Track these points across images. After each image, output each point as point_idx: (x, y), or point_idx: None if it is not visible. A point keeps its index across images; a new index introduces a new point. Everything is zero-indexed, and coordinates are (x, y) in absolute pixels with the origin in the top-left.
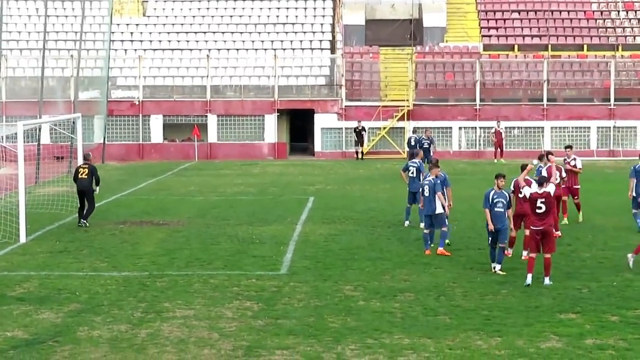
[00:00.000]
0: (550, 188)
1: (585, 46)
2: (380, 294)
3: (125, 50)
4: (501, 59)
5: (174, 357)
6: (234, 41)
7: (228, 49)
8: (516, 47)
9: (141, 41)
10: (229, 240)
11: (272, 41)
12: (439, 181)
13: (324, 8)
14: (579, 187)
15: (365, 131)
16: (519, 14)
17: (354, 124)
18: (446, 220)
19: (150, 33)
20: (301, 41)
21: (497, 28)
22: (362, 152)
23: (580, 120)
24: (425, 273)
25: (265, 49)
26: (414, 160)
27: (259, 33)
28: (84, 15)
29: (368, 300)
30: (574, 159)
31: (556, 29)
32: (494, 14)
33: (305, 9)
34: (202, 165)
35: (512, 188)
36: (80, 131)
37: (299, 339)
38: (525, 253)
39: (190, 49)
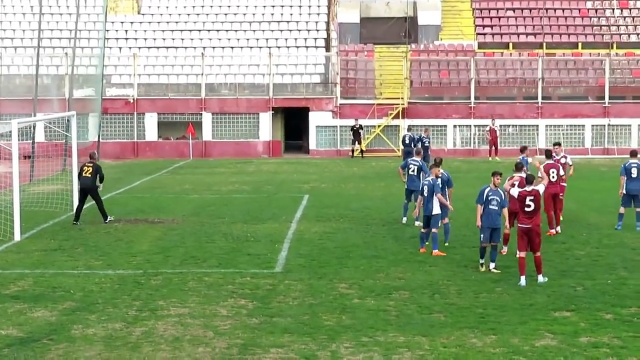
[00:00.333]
0: (540, 187)
1: (579, 44)
2: (375, 292)
3: (120, 48)
4: (496, 57)
5: (168, 356)
6: (229, 39)
7: (223, 47)
8: (511, 45)
9: (136, 39)
10: (224, 239)
11: (267, 39)
12: (438, 182)
13: (318, 6)
14: (565, 185)
15: (362, 129)
16: (514, 12)
17: (348, 122)
18: (439, 222)
19: (145, 31)
20: (296, 39)
21: (491, 26)
22: (360, 150)
23: (575, 118)
24: (420, 271)
25: (260, 47)
26: (415, 158)
27: (254, 31)
28: (79, 13)
29: (363, 298)
30: (564, 157)
31: (551, 27)
32: (489, 12)
33: (300, 6)
34: (197, 164)
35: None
36: (75, 129)
37: (294, 337)
38: (505, 248)
39: (185, 47)
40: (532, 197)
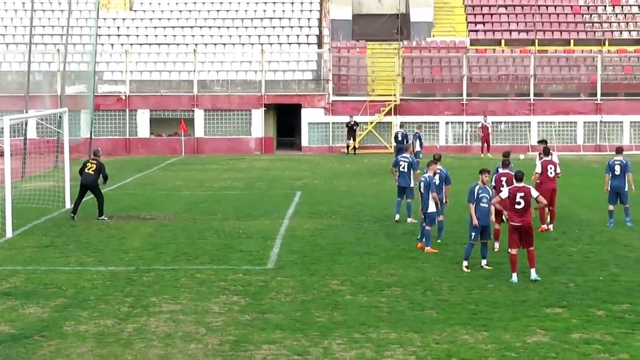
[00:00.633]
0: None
1: (572, 41)
2: (367, 288)
3: (112, 44)
4: (488, 53)
5: (160, 352)
6: (221, 36)
7: (215, 44)
8: (503, 42)
9: (128, 35)
10: (216, 235)
11: (259, 36)
12: (435, 179)
13: (310, 3)
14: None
15: (357, 126)
16: (506, 8)
17: (341, 118)
18: (434, 220)
19: (137, 27)
20: (288, 36)
21: (484, 23)
22: (354, 147)
23: (567, 115)
24: (412, 267)
25: (252, 44)
26: (404, 155)
27: (246, 28)
28: (71, 10)
29: (355, 295)
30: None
31: (543, 24)
32: (481, 8)
33: (292, 3)
34: (189, 160)
35: (493, 184)
36: (67, 126)
37: (286, 334)
38: (496, 245)
39: (177, 44)
40: (522, 194)
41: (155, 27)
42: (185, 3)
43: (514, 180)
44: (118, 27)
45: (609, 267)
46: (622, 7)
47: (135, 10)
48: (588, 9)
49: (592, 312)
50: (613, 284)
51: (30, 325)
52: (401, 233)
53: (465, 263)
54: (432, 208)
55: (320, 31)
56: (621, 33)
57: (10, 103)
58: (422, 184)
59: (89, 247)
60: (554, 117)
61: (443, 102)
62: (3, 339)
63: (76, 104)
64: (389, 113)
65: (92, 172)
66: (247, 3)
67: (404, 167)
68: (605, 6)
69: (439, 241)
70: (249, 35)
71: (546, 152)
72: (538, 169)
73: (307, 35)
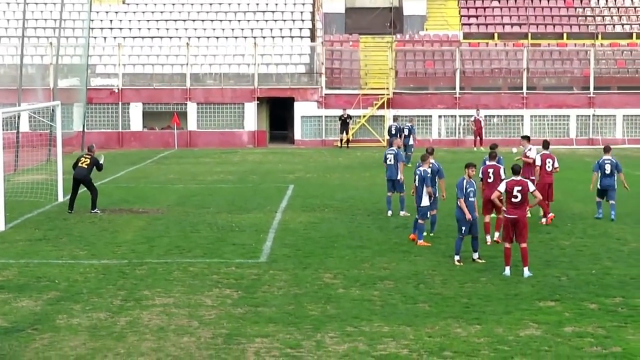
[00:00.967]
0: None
1: (565, 34)
2: (360, 282)
3: (105, 37)
4: (481, 47)
5: (153, 345)
6: (214, 29)
7: (208, 37)
8: (496, 35)
9: (121, 29)
10: (209, 228)
11: (252, 29)
12: (429, 174)
13: None
14: (534, 178)
15: (350, 119)
16: (499, 2)
17: (334, 112)
18: (427, 213)
19: (130, 21)
20: (281, 29)
21: (477, 16)
22: (347, 141)
23: (560, 108)
24: (405, 261)
25: (245, 37)
26: (392, 148)
27: (239, 21)
28: (63, 3)
29: (348, 288)
30: (530, 149)
31: (536, 17)
32: (474, 2)
33: None
34: (182, 153)
35: (480, 176)
36: (60, 119)
37: (279, 327)
38: (497, 234)
39: (170, 37)
40: (519, 188)
41: (148, 20)
42: None
43: (512, 174)
44: (111, 20)
45: (601, 260)
46: (615, 1)
47: (128, 3)
48: (581, 2)
49: (584, 305)
50: (605, 278)
51: (22, 318)
52: (394, 226)
53: (456, 257)
54: (425, 202)
55: (313, 24)
56: (614, 27)
57: (2, 96)
58: (416, 177)
59: (82, 241)
60: (547, 111)
61: (436, 96)
62: None
63: (69, 97)
64: (381, 106)
65: (86, 166)
66: None
67: (390, 160)
68: (598, 0)
69: (431, 234)
70: (242, 29)
71: (545, 145)
72: (537, 162)
73: (300, 29)
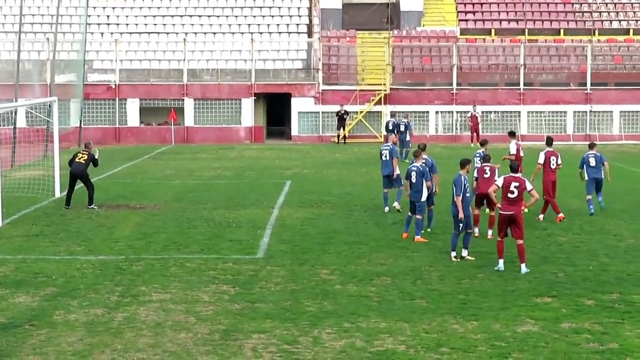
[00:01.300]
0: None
1: (562, 30)
2: (357, 277)
3: (102, 33)
4: (478, 43)
5: (150, 341)
6: (211, 25)
7: (205, 33)
8: (493, 31)
9: (118, 24)
10: (206, 224)
11: (249, 25)
12: (427, 169)
13: None
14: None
15: (347, 115)
16: None
17: (331, 108)
18: (425, 209)
19: (127, 16)
20: (278, 25)
21: (474, 12)
22: (344, 136)
23: (557, 104)
24: (402, 257)
25: (242, 33)
26: (387, 144)
27: (236, 17)
28: None
29: (345, 284)
30: (511, 144)
31: (533, 13)
32: None
33: None
34: (179, 149)
35: (475, 175)
36: (57, 115)
37: (276, 323)
38: (490, 232)
39: (167, 33)
40: (517, 184)
41: (145, 16)
42: None
43: (510, 171)
44: (108, 16)
45: (598, 256)
46: None
47: None
48: None
49: (581, 301)
50: (602, 274)
51: (19, 314)
52: (391, 222)
53: (453, 253)
54: (423, 198)
55: (310, 20)
56: (611, 23)
57: None
58: (413, 173)
59: (79, 236)
60: (544, 107)
61: (433, 92)
62: None
63: (66, 92)
64: (378, 102)
65: (83, 162)
66: None
67: (385, 156)
68: None
69: (429, 230)
70: (239, 24)
71: (549, 142)
72: (540, 160)
73: (297, 25)
